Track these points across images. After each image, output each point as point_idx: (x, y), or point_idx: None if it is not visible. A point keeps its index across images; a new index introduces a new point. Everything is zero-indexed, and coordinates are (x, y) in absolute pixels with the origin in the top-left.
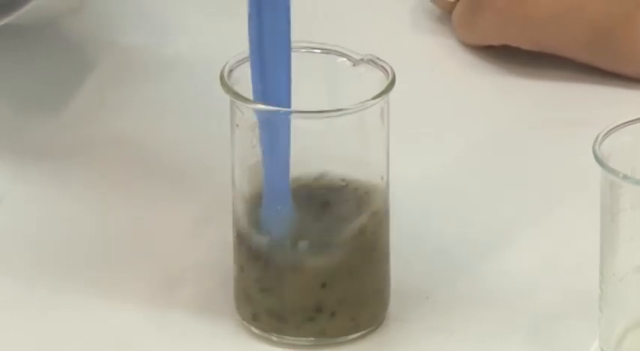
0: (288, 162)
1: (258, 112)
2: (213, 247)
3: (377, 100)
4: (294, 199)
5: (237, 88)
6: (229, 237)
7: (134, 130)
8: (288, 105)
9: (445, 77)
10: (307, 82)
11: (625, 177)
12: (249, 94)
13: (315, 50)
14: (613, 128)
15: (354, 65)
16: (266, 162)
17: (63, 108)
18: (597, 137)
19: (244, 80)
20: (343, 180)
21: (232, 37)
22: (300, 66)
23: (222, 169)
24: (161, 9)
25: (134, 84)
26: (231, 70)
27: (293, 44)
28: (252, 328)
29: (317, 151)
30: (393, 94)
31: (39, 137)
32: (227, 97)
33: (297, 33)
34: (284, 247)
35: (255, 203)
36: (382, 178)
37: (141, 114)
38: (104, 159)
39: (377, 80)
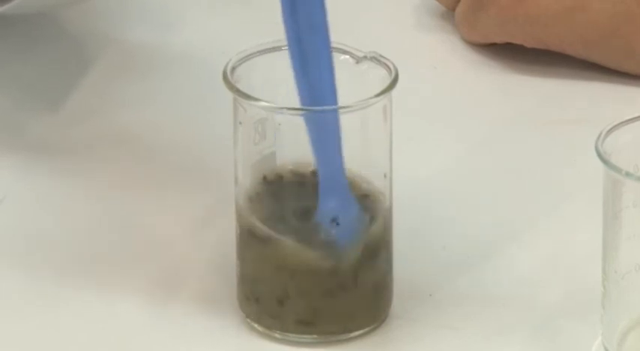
0: (341, 157)
1: (305, 114)
2: (217, 245)
3: (380, 97)
4: (295, 197)
5: (240, 86)
6: (232, 234)
7: (135, 126)
8: (335, 102)
9: (448, 75)
10: None
11: (628, 174)
12: (252, 92)
13: None
14: (616, 126)
15: (356, 62)
16: (316, 160)
17: (63, 104)
18: (600, 135)
19: (247, 77)
20: (346, 178)
21: (236, 34)
22: None
23: (224, 166)
24: (164, 4)
25: (135, 80)
26: (234, 68)
27: None
28: (255, 326)
29: None
30: (395, 91)
31: (39, 133)
32: (230, 94)
33: None
34: (288, 245)
35: (258, 200)
36: (385, 175)
37: (142, 111)
38: (105, 156)
39: (380, 78)
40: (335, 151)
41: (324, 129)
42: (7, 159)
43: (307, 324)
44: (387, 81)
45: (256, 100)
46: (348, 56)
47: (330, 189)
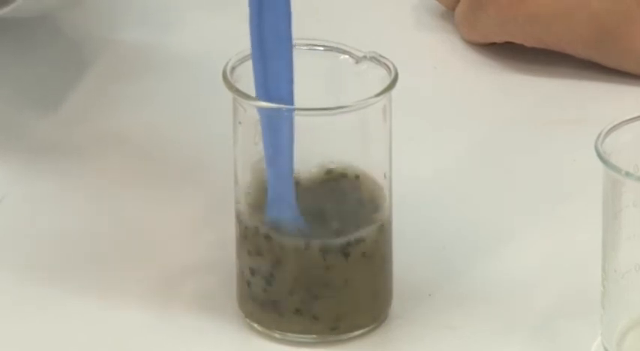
0: (292, 160)
1: (260, 110)
2: (215, 245)
3: (379, 97)
4: (297, 198)
5: (240, 86)
6: (231, 234)
7: (134, 127)
8: (291, 102)
9: (448, 75)
10: (309, 79)
11: (627, 174)
12: (252, 92)
13: (318, 47)
14: (615, 125)
15: (356, 62)
16: (269, 161)
17: (62, 105)
18: (600, 134)
19: (247, 77)
20: (345, 178)
21: (234, 34)
22: (303, 63)
23: (224, 167)
24: (162, 5)
25: (134, 81)
26: (233, 68)
27: (295, 41)
28: (255, 326)
29: (319, 149)
30: (395, 91)
31: (38, 134)
32: (229, 95)
33: (300, 30)
34: (287, 246)
35: (258, 200)
36: (385, 175)
37: (141, 111)
38: (104, 156)
39: (379, 78)
40: (284, 159)
41: (279, 131)
42: (6, 159)
43: (308, 321)
44: (387, 81)
45: (256, 99)
46: (347, 56)
47: (277, 196)
